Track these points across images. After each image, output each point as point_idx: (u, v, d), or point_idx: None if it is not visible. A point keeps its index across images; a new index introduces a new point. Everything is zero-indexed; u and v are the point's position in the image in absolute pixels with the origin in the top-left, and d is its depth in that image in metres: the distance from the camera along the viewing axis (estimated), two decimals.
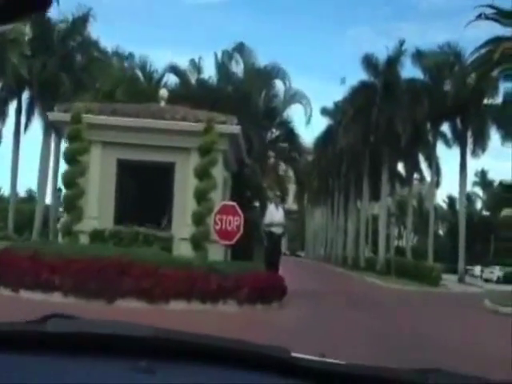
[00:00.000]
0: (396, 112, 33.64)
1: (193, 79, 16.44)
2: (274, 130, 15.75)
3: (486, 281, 40.39)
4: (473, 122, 33.95)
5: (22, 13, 0.92)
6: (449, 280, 30.63)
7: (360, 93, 35.50)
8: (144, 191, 12.29)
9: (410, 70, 40.00)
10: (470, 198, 73.94)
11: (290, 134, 15.54)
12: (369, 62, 35.15)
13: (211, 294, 9.46)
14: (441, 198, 73.34)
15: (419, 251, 49.71)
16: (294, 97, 16.67)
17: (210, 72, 22.36)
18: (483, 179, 65.46)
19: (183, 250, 11.37)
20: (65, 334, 0.98)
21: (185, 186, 11.72)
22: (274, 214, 12.48)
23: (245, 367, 0.93)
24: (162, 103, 13.13)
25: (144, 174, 12.33)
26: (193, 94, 14.85)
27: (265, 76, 15.73)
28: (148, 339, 0.95)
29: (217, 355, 0.94)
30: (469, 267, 41.78)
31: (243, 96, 14.32)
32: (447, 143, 39.91)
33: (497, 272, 42.58)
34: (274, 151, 15.63)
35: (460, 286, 29.08)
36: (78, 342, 0.97)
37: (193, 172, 11.07)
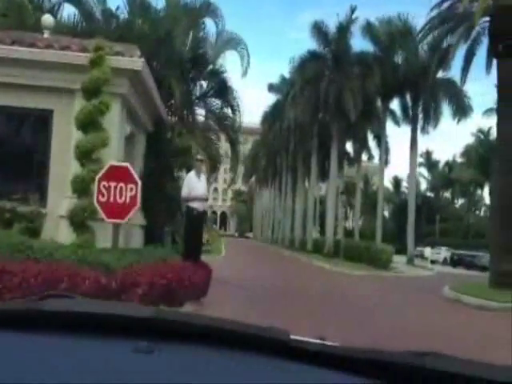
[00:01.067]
0: (346, 85, 30.88)
1: (97, 11, 12.72)
2: (203, 83, 12.39)
3: (433, 262, 38.84)
4: (424, 97, 31.72)
5: None
6: (398, 262, 28.36)
7: (309, 63, 32.51)
8: (10, 149, 8.75)
9: (360, 43, 37.52)
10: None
11: (222, 88, 12.21)
12: (319, 30, 32.13)
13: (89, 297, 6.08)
14: (386, 179, 72.49)
15: (366, 233, 48.00)
16: (228, 42, 13.24)
17: (118, 1, 17.46)
18: (428, 160, 64.44)
19: (60, 231, 7.99)
20: (62, 312, 0.96)
21: (65, 141, 8.27)
22: (195, 185, 9.25)
23: (244, 348, 0.91)
24: (46, 34, 9.48)
25: (11, 125, 8.81)
26: (95, 29, 11.28)
27: (192, 13, 12.21)
28: (148, 320, 0.93)
29: (216, 336, 0.92)
30: (418, 249, 40.09)
31: (163, 36, 10.93)
32: (396, 121, 37.84)
33: (443, 253, 41.14)
34: (204, 108, 12.34)
35: (411, 269, 26.87)
36: (76, 322, 0.96)
37: (75, 121, 7.61)
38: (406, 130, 74.79)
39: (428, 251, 37.30)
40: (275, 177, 58.30)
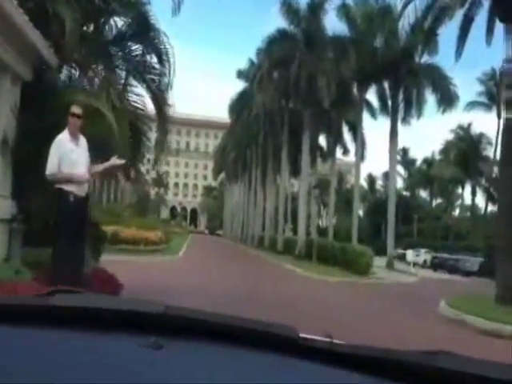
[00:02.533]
0: (319, 68, 27.41)
1: None
2: (116, 19, 8.67)
3: (413, 265, 35.87)
4: (405, 84, 28.50)
5: None
6: (376, 266, 24.94)
7: (278, 44, 28.89)
8: None
9: (335, 26, 34.13)
10: (388, 177, 70.63)
11: (143, 27, 8.49)
12: (289, 6, 28.53)
13: None
14: (360, 176, 69.60)
15: (341, 232, 44.82)
16: None
17: None
18: (404, 157, 61.71)
19: None
20: (70, 307, 0.96)
21: None
22: (69, 156, 5.55)
23: (252, 345, 0.91)
24: None
25: None
26: None
27: None
28: (157, 316, 0.93)
29: (225, 333, 0.92)
30: (400, 251, 36.96)
31: None
32: (372, 114, 34.62)
33: (423, 255, 38.10)
34: (120, 56, 8.66)
35: (391, 274, 23.56)
36: (84, 317, 0.95)
37: None
38: (381, 123, 72.31)
39: (410, 254, 34.13)
40: (245, 171, 54.66)
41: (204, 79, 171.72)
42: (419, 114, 27.95)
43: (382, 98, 30.87)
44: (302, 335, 0.92)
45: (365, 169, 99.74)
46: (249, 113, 39.51)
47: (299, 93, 28.83)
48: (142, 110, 9.26)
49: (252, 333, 0.92)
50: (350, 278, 19.60)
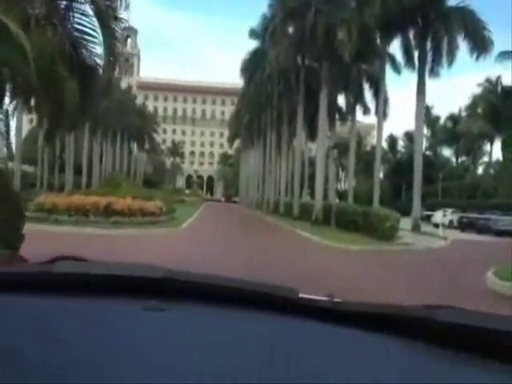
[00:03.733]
0: (337, 16, 24.59)
1: None
2: None
3: (436, 225, 33.50)
4: (434, 30, 25.53)
5: None
6: (401, 229, 22.60)
7: None
8: None
9: None
10: (410, 137, 67.29)
11: None
12: None
13: None
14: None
15: (360, 196, 42.54)
16: None
17: None
18: (427, 115, 58.30)
19: None
20: (72, 274, 0.98)
21: None
22: None
23: (254, 307, 0.92)
24: None
25: None
26: None
27: None
28: (158, 280, 0.94)
29: (225, 295, 0.93)
30: (427, 213, 34.48)
31: None
32: (395, 67, 31.69)
33: (449, 215, 35.57)
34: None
35: (419, 239, 21.26)
36: (87, 283, 0.96)
37: None
38: (403, 79, 69.11)
39: (439, 215, 31.62)
40: (260, 136, 52.18)
41: (222, 46, 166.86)
42: (451, 62, 24.96)
43: (406, 49, 27.98)
44: (302, 295, 0.92)
45: (384, 130, 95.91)
46: (262, 73, 36.83)
47: (316, 45, 26.02)
48: (92, 36, 7.05)
49: (252, 294, 0.92)
50: (374, 246, 17.45)
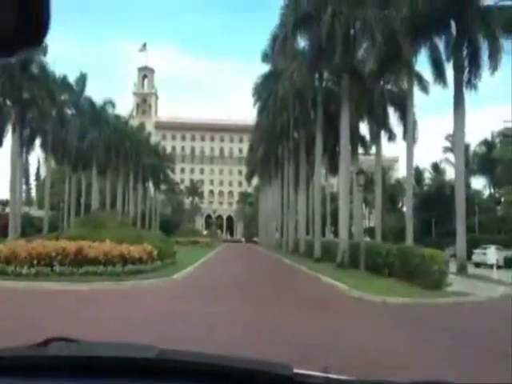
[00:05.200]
0: (358, 18, 20.84)
1: None
2: None
3: (477, 265, 28.46)
4: (470, 35, 21.51)
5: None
6: None
7: None
8: None
9: None
10: (437, 168, 62.41)
11: None
12: None
13: None
14: (402, 170, 61.39)
15: (386, 233, 37.74)
16: None
17: None
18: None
19: None
20: (67, 357, 0.97)
21: None
22: None
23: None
24: None
25: None
26: None
27: None
28: (150, 360, 0.93)
29: (220, 373, 0.91)
30: (478, 250, 29.46)
31: None
32: (422, 85, 27.67)
33: (492, 254, 30.43)
34: None
35: (472, 284, 16.50)
36: (80, 365, 0.96)
37: None
38: (422, 104, 63.27)
39: (492, 253, 26.60)
40: (277, 170, 48.22)
41: (239, 85, 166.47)
42: (495, 68, 20.72)
43: (435, 61, 23.98)
44: (296, 371, 0.89)
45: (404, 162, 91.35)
46: (275, 98, 33.20)
47: (333, 57, 22.14)
48: None
49: (247, 372, 0.90)
50: (419, 297, 12.84)
